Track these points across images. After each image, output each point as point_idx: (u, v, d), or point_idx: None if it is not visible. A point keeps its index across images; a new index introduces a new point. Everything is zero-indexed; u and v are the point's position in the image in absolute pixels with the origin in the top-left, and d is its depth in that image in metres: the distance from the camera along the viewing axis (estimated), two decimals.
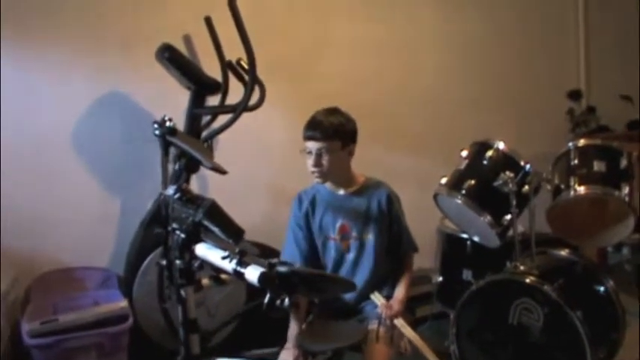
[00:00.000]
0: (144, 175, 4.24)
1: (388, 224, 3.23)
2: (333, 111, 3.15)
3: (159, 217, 3.83)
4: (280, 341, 3.11)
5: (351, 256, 3.20)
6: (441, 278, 4.06)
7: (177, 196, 2.13)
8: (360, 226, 3.19)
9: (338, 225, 3.21)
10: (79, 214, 4.13)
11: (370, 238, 3.18)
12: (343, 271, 3.19)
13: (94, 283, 4.01)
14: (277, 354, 3.03)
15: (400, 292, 3.20)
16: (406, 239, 3.32)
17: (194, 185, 3.98)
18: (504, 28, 5.45)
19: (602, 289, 3.52)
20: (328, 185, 3.23)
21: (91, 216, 4.17)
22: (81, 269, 4.07)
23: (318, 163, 3.08)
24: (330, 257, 3.23)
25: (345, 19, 4.84)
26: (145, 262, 3.90)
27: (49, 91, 4.04)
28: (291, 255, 3.22)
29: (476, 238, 3.71)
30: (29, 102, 3.97)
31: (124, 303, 3.68)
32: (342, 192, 3.24)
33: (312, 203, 3.27)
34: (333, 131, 3.07)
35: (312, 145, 3.07)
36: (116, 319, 3.57)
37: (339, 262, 3.21)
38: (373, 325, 3.01)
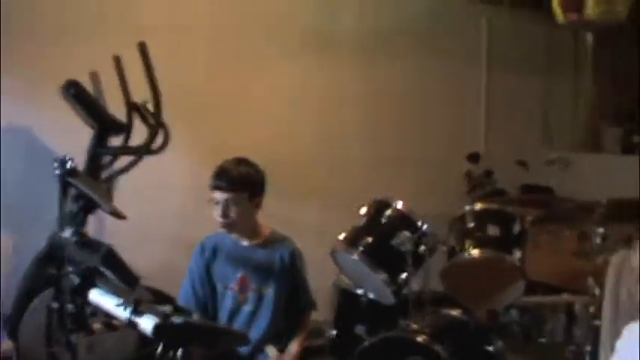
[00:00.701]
0: (40, 212, 4.12)
1: (289, 281, 3.23)
2: (242, 161, 3.14)
3: (52, 257, 3.76)
4: None
5: (247, 309, 3.18)
6: (334, 332, 4.06)
7: (74, 239, 2.09)
8: (260, 279, 3.18)
9: (238, 276, 3.19)
10: None
11: (270, 292, 3.18)
12: (239, 323, 3.17)
13: None
14: None
15: (294, 347, 3.20)
16: (306, 298, 3.34)
17: (91, 226, 3.88)
18: (409, 89, 5.59)
19: (491, 349, 3.59)
20: (233, 235, 3.21)
21: None
22: None
23: (224, 214, 3.06)
24: (226, 307, 3.20)
25: (258, 70, 4.88)
26: (34, 302, 3.77)
27: None
28: (186, 300, 3.18)
29: (371, 295, 3.74)
30: None
31: (6, 345, 3.54)
32: (245, 243, 3.23)
33: (215, 251, 3.24)
34: (241, 182, 3.06)
35: (219, 196, 3.05)
36: None
37: (235, 313, 3.19)
38: None
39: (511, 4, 5.99)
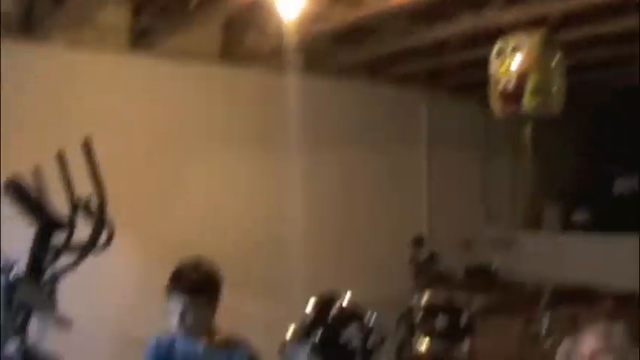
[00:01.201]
0: None
1: None
2: (197, 265, 3.06)
3: None
4: None
5: None
6: None
7: (20, 354, 2.04)
8: None
9: None
10: None
11: None
12: None
13: None
14: None
15: None
16: None
17: (34, 326, 3.81)
18: (353, 176, 5.67)
19: None
20: (188, 337, 3.09)
21: None
22: None
23: (182, 322, 2.96)
24: None
25: (201, 164, 4.92)
26: None
27: None
28: None
29: None
30: None
31: None
32: (201, 345, 3.14)
33: (169, 352, 3.12)
34: (199, 287, 2.98)
35: (177, 302, 2.96)
36: None
37: None
38: None
39: (449, 90, 6.14)
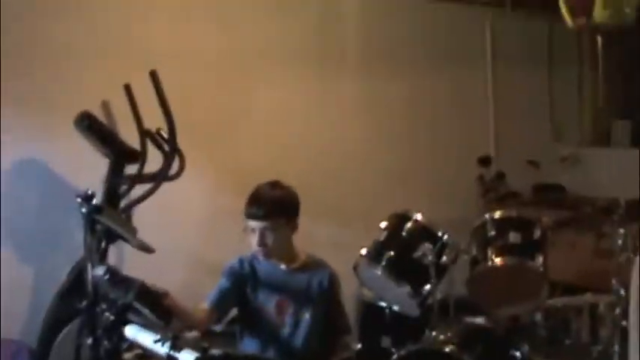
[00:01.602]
0: (59, 245, 4.18)
1: (327, 305, 3.22)
2: (274, 185, 3.10)
3: (76, 288, 3.80)
4: None
5: (285, 332, 3.15)
6: (359, 345, 4.08)
7: (106, 277, 2.11)
8: (298, 303, 3.15)
9: (275, 300, 3.14)
10: None
11: (307, 317, 3.15)
12: (275, 346, 3.14)
13: (4, 355, 3.86)
14: None
15: None
16: (343, 322, 3.34)
17: (111, 253, 3.93)
18: (415, 98, 5.61)
19: (517, 354, 3.60)
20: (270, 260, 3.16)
21: (3, 285, 4.04)
22: None
23: (262, 243, 3.01)
24: (262, 330, 3.16)
25: (267, 89, 4.91)
26: (61, 334, 3.80)
27: None
28: (210, 301, 3.09)
29: (395, 307, 3.76)
30: None
31: None
32: (283, 267, 3.19)
33: (253, 272, 3.17)
34: (277, 208, 3.02)
35: (255, 224, 3.00)
36: None
37: (272, 335, 3.15)
38: None
39: (513, 5, 6.00)
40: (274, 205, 3.02)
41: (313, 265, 3.24)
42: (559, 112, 6.47)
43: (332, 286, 3.23)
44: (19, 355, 3.89)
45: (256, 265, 3.20)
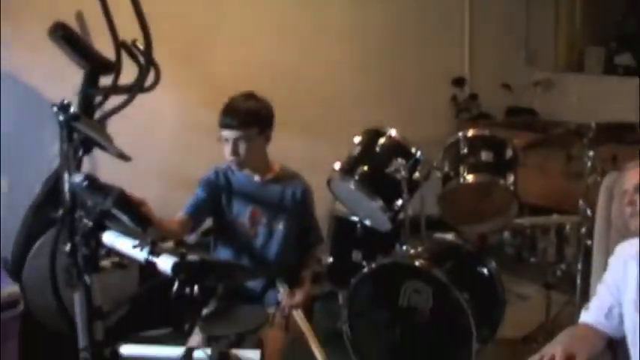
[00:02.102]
0: (31, 157, 4.17)
1: (300, 216, 3.28)
2: (249, 96, 3.13)
3: (51, 200, 3.80)
4: (173, 321, 3.10)
5: (258, 242, 3.21)
6: (331, 259, 4.15)
7: (85, 184, 2.12)
8: (271, 214, 3.21)
9: (249, 210, 3.20)
10: None
11: (280, 227, 3.21)
12: (248, 256, 3.21)
13: None
14: (170, 335, 3.01)
15: (304, 283, 3.26)
16: (314, 233, 3.41)
17: (84, 167, 3.93)
18: (391, 18, 5.59)
19: (485, 270, 3.70)
20: (244, 171, 3.21)
21: None
22: None
23: (235, 152, 3.05)
24: (236, 240, 3.23)
25: (240, 4, 4.85)
26: (36, 246, 3.82)
27: None
28: (185, 211, 3.15)
29: (367, 222, 3.82)
30: None
31: (13, 288, 3.58)
32: (257, 178, 3.24)
33: (227, 183, 3.23)
34: (250, 118, 3.05)
35: (229, 134, 3.04)
36: (5, 305, 3.48)
37: (245, 246, 3.22)
38: (272, 310, 3.04)
39: None
40: (247, 115, 3.06)
41: (287, 177, 3.29)
42: (534, 38, 6.49)
43: (305, 197, 3.29)
44: None
45: (230, 176, 3.25)
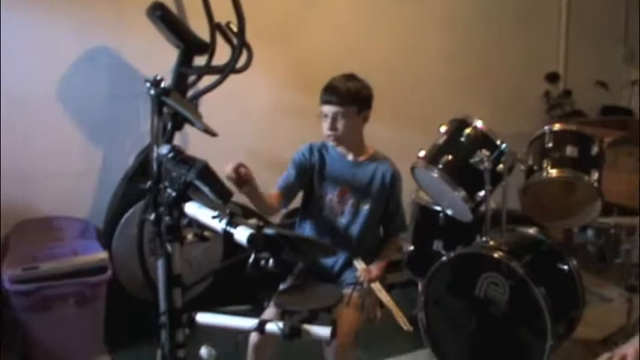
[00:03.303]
0: (126, 130, 4.31)
1: (386, 200, 3.30)
2: (350, 77, 3.21)
3: (142, 172, 3.94)
4: (253, 299, 3.18)
5: (343, 221, 3.25)
6: (412, 247, 4.17)
7: (170, 155, 2.20)
8: (359, 194, 3.24)
9: (338, 188, 3.25)
10: (60, 166, 4.20)
11: (366, 208, 3.24)
12: (332, 233, 3.26)
13: (73, 233, 4.05)
14: (250, 311, 3.09)
15: (382, 260, 3.27)
16: (399, 219, 3.41)
17: (176, 142, 4.03)
18: (486, 9, 5.53)
19: (565, 268, 3.65)
20: (338, 148, 3.29)
21: (72, 168, 4.23)
22: (59, 219, 4.13)
23: (333, 127, 3.14)
24: (322, 217, 3.28)
25: None
26: (126, 215, 3.98)
27: (36, 43, 4.06)
28: (278, 186, 3.26)
29: (449, 212, 3.82)
30: (15, 53, 3.98)
31: (103, 254, 3.73)
32: (350, 158, 3.29)
33: (321, 159, 3.30)
34: (350, 96, 3.13)
35: (329, 109, 3.13)
36: (95, 270, 3.64)
37: (331, 223, 3.27)
38: (348, 290, 3.07)
39: None
40: (348, 93, 3.13)
41: (378, 159, 3.32)
42: (633, 34, 6.31)
43: (393, 182, 3.30)
44: (87, 231, 4.07)
45: (325, 153, 3.32)
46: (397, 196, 3.35)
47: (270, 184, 3.27)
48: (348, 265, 3.26)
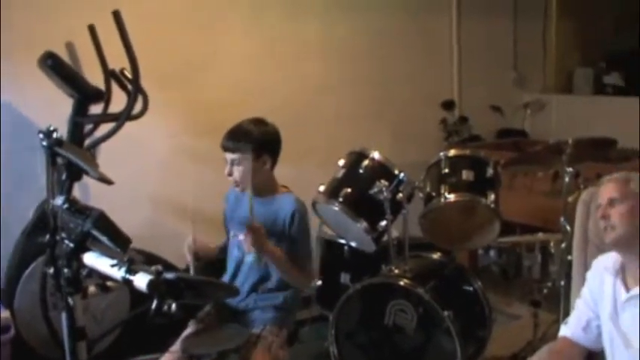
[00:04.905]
0: (23, 184, 4.21)
1: (290, 236, 3.22)
2: (254, 121, 3.21)
3: (42, 226, 3.85)
4: (163, 347, 3.15)
5: (249, 259, 3.24)
6: (319, 282, 4.20)
7: (65, 206, 2.17)
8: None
9: (244, 230, 3.18)
10: None
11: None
12: (243, 269, 3.28)
13: None
14: None
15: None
16: (304, 253, 3.28)
17: (76, 193, 3.96)
18: (383, 40, 5.65)
19: (471, 289, 3.75)
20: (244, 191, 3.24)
21: None
22: None
23: (230, 173, 3.15)
24: (233, 255, 3.32)
25: (228, 32, 4.93)
26: (27, 271, 3.87)
27: None
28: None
29: (353, 244, 3.87)
30: None
31: (5, 313, 3.63)
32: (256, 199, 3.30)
33: (235, 202, 3.37)
34: (246, 142, 3.11)
35: (227, 156, 3.15)
36: None
37: (240, 261, 3.29)
38: (256, 330, 3.07)
39: None
40: (243, 139, 3.12)
41: (284, 199, 3.30)
42: (523, 60, 6.57)
43: (292, 222, 3.22)
44: None
45: (239, 196, 3.33)
46: (295, 237, 3.24)
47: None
48: (253, 303, 3.24)
